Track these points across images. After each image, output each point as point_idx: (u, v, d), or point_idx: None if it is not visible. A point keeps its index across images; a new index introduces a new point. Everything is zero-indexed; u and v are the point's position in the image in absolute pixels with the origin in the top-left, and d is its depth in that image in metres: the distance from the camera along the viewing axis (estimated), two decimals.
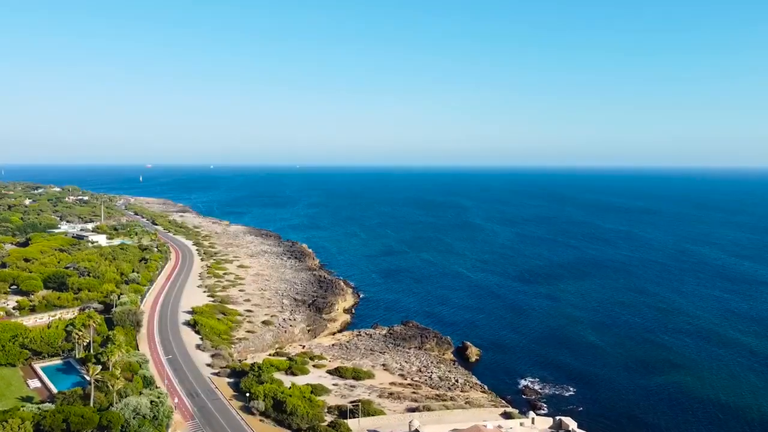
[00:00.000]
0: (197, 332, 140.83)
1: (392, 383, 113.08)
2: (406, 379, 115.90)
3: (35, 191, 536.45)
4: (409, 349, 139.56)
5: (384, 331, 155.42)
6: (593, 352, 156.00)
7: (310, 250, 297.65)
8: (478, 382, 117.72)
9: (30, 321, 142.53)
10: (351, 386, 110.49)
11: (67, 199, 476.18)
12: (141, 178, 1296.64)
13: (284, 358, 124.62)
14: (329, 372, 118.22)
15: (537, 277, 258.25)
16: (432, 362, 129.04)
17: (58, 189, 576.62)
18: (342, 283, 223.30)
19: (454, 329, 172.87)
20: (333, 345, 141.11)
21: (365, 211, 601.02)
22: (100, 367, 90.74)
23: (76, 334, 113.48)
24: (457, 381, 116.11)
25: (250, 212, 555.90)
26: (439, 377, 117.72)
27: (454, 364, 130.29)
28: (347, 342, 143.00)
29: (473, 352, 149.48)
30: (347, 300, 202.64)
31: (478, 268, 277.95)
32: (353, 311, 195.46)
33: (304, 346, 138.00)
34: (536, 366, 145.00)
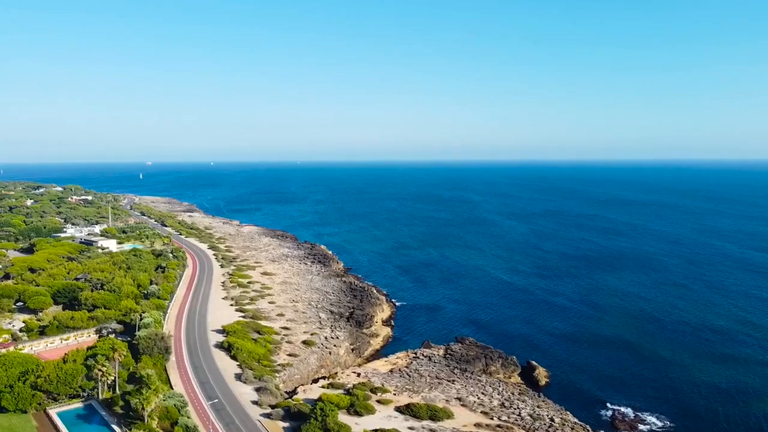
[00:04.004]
0: (233, 357, 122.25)
1: (477, 425, 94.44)
2: (492, 419, 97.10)
3: (36, 191, 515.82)
4: (481, 375, 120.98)
5: (441, 351, 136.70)
6: (668, 363, 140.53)
7: (331, 252, 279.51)
8: (578, 421, 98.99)
9: (40, 346, 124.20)
10: (430, 430, 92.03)
11: (69, 199, 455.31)
12: (141, 176, 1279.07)
13: (341, 392, 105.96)
14: (398, 410, 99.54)
15: (568, 274, 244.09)
16: (513, 393, 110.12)
17: (59, 188, 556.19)
18: (374, 290, 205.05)
19: (510, 343, 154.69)
20: (391, 371, 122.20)
21: (373, 206, 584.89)
22: None
23: (99, 370, 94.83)
24: (552, 420, 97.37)
25: (259, 210, 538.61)
26: (530, 415, 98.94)
27: (540, 397, 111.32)
28: (406, 367, 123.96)
29: (541, 374, 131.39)
30: (384, 310, 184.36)
31: (505, 267, 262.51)
32: (392, 323, 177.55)
33: (359, 375, 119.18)
34: (612, 385, 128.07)
